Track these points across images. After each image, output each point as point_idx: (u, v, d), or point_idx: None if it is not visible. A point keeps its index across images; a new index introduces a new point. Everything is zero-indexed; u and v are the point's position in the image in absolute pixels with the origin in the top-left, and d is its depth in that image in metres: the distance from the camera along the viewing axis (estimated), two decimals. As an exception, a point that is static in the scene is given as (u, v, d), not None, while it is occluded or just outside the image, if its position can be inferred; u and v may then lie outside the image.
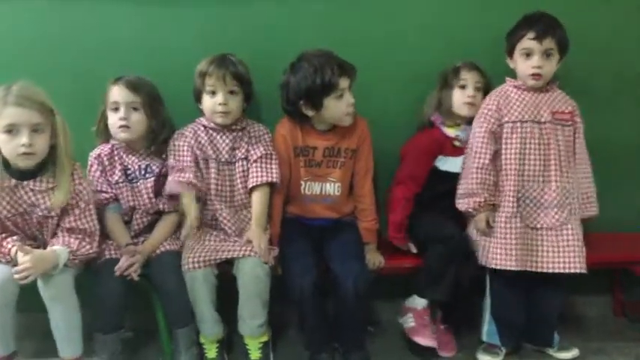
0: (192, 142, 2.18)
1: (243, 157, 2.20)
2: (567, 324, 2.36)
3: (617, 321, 2.50)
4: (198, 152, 2.18)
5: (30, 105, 1.86)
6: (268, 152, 2.18)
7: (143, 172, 2.19)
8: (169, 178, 2.17)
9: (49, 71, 2.21)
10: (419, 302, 2.21)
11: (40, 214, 1.96)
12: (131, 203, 2.19)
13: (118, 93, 2.13)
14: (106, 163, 2.19)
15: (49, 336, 1.97)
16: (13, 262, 1.89)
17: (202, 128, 2.20)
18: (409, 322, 2.23)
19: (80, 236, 1.98)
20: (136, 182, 2.19)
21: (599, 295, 2.54)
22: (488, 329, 2.21)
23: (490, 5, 2.34)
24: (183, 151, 2.18)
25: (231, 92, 2.15)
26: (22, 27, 2.28)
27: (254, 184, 2.16)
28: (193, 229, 2.12)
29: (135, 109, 2.14)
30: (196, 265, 2.05)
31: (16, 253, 1.87)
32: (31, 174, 1.94)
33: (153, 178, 2.19)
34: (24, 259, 1.84)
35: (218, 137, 2.20)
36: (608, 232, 2.41)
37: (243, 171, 2.20)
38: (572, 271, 2.09)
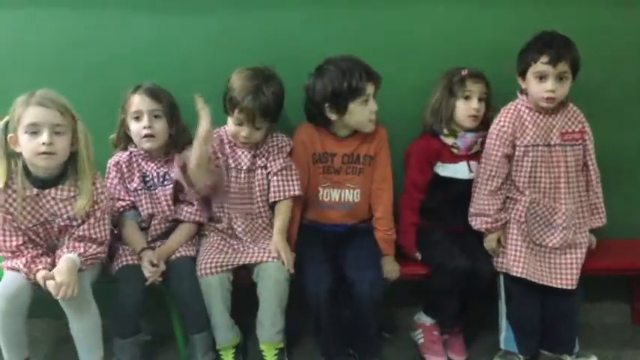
0: (217, 147, 2.17)
1: (262, 165, 2.19)
2: (585, 331, 2.33)
3: (635, 329, 2.47)
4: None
5: (51, 105, 1.87)
6: (287, 164, 2.18)
7: (161, 179, 2.19)
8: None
9: (63, 80, 2.20)
10: (427, 319, 2.24)
11: (61, 223, 1.96)
12: (150, 211, 2.19)
13: (140, 101, 2.13)
14: (125, 170, 2.19)
15: (61, 342, 1.98)
16: (36, 283, 1.89)
17: (228, 141, 2.19)
18: (419, 338, 2.25)
19: (89, 244, 1.97)
20: (155, 189, 2.19)
21: (617, 302, 2.52)
22: (505, 336, 2.20)
23: (502, 12, 2.33)
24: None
25: (258, 128, 2.14)
26: (34, 36, 2.29)
27: (277, 199, 2.17)
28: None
29: (157, 116, 2.15)
30: (212, 270, 2.07)
31: (44, 281, 1.86)
32: (53, 182, 1.94)
33: (171, 185, 2.19)
34: (56, 282, 1.83)
35: (241, 148, 2.20)
36: (625, 239, 2.39)
37: (262, 179, 2.20)
38: (561, 286, 2.12)
